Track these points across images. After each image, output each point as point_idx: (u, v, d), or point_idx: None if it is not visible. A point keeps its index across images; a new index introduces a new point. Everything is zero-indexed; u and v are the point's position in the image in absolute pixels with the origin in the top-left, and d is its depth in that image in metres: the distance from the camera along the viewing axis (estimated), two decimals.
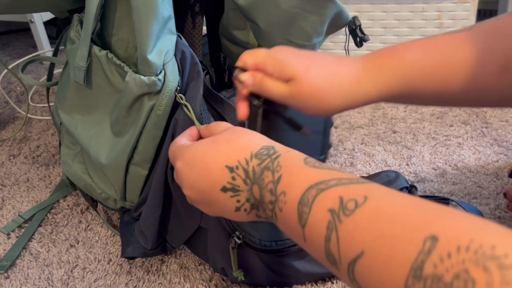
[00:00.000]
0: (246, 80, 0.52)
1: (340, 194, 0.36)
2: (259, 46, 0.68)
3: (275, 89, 0.51)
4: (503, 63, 0.46)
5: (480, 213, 0.66)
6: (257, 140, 0.46)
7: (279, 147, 0.45)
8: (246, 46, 0.70)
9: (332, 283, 0.64)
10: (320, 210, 0.36)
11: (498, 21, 0.48)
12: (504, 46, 0.47)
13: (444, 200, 0.62)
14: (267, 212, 0.43)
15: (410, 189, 0.61)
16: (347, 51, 0.75)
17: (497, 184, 0.80)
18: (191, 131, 0.53)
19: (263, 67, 0.52)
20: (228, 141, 0.46)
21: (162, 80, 0.57)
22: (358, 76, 0.51)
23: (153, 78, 0.56)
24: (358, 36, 0.68)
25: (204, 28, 0.83)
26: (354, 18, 0.69)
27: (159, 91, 0.57)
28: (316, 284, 0.64)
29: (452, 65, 0.49)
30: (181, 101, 0.57)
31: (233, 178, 0.44)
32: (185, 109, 0.57)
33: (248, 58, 0.53)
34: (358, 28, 0.69)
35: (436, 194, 0.78)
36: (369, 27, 1.05)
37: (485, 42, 0.48)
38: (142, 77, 0.56)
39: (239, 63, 0.54)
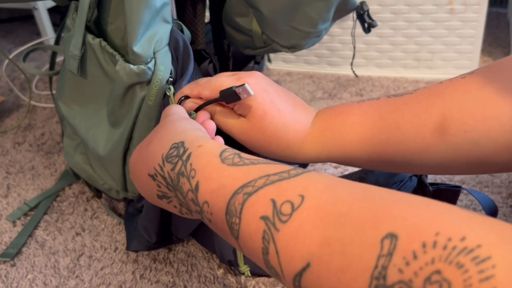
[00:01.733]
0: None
1: (272, 196, 0.31)
2: (263, 34, 0.66)
3: (231, 124, 0.51)
4: (440, 123, 0.44)
5: (492, 202, 0.64)
6: (169, 136, 0.41)
7: (189, 140, 0.39)
8: (249, 34, 0.68)
9: None
10: (252, 220, 0.31)
11: (439, 85, 0.46)
12: (440, 107, 0.44)
13: (456, 188, 0.61)
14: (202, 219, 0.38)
15: (420, 176, 0.60)
16: (353, 38, 0.74)
17: (509, 173, 0.78)
18: None
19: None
20: (148, 144, 0.43)
21: (152, 69, 0.55)
22: (303, 137, 0.51)
23: (143, 67, 0.54)
24: (366, 22, 0.67)
25: (208, 15, 0.82)
26: (362, 3, 0.67)
27: (150, 81, 0.56)
28: None
29: (387, 128, 0.47)
30: (168, 92, 0.55)
31: (158, 186, 0.41)
32: (170, 100, 0.55)
33: (204, 89, 0.51)
34: (366, 13, 0.67)
35: (447, 183, 0.76)
36: (378, 13, 1.03)
37: (422, 104, 0.46)
38: (132, 66, 0.54)
39: (193, 95, 0.53)
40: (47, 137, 0.94)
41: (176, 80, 0.57)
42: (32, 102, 1.05)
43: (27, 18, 1.55)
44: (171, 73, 0.56)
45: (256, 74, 0.50)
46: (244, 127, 0.50)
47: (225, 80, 0.50)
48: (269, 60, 1.15)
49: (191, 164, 0.37)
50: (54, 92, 0.82)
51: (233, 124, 0.51)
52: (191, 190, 0.36)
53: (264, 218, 0.30)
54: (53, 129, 0.96)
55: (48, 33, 1.30)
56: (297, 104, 0.53)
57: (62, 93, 0.68)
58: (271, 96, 0.50)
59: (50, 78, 0.80)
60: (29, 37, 1.41)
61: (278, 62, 1.17)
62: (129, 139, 0.59)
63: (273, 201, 0.30)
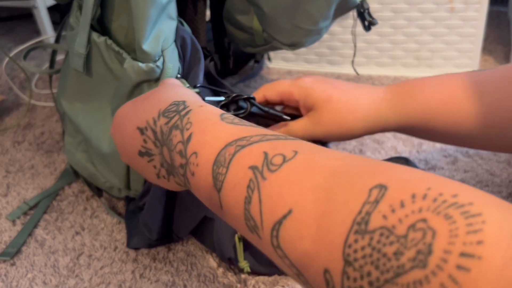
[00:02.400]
0: None
1: (265, 149, 0.30)
2: (264, 31, 0.66)
3: (298, 127, 0.54)
4: None
5: None
6: (170, 95, 0.41)
7: (192, 101, 0.39)
8: (250, 31, 0.68)
9: None
10: (240, 169, 0.30)
11: None
12: None
13: None
14: (180, 178, 0.37)
15: None
16: (353, 36, 0.74)
17: (509, 172, 0.78)
18: None
19: (290, 95, 0.55)
20: (144, 99, 0.43)
21: (161, 67, 0.55)
22: (378, 102, 0.53)
23: (151, 65, 0.54)
24: (367, 20, 0.67)
25: (208, 13, 0.82)
26: (363, 1, 0.67)
27: (158, 79, 0.56)
28: None
29: (469, 99, 0.48)
30: None
31: (145, 141, 0.40)
32: None
33: (268, 90, 0.56)
34: (367, 11, 0.67)
35: None
36: (378, 12, 1.03)
37: (504, 80, 0.47)
38: (140, 64, 0.55)
39: (258, 97, 0.57)
40: (46, 136, 0.94)
41: (184, 77, 0.57)
42: (32, 101, 1.04)
43: (26, 16, 1.55)
44: (178, 71, 0.56)
45: (313, 75, 0.56)
46: (313, 122, 0.53)
47: (285, 82, 0.56)
48: (269, 59, 1.15)
49: (188, 118, 0.36)
50: (54, 90, 0.81)
51: (298, 127, 0.54)
52: (182, 141, 0.35)
53: (253, 167, 0.29)
54: (52, 128, 0.96)
55: (48, 32, 1.30)
56: (360, 84, 0.55)
57: (64, 91, 0.68)
58: (329, 82, 0.53)
59: (50, 77, 0.80)
60: (29, 36, 1.40)
61: (278, 61, 1.17)
62: None
63: (265, 153, 0.30)
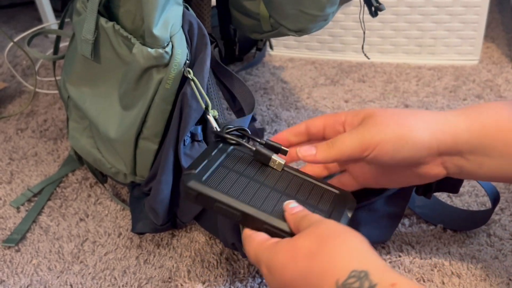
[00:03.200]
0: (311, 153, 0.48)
1: None
2: (270, 17, 0.66)
3: (347, 140, 0.46)
4: None
5: (494, 188, 0.65)
6: (344, 260, 0.36)
7: (375, 272, 0.34)
8: (256, 17, 0.68)
9: None
10: None
11: None
12: None
13: None
14: None
15: None
16: (361, 22, 0.73)
17: None
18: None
19: (335, 116, 0.50)
20: (308, 257, 0.38)
21: (170, 53, 0.55)
22: (443, 112, 0.47)
23: (160, 50, 0.55)
24: (373, 6, 0.66)
25: None
26: None
27: (167, 64, 0.56)
28: None
29: None
30: (189, 76, 0.56)
31: None
32: (192, 84, 0.56)
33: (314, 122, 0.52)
34: None
35: None
36: None
37: None
38: (149, 49, 0.55)
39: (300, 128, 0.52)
40: (49, 123, 0.94)
41: (191, 62, 0.57)
42: (34, 89, 1.04)
43: (28, 4, 1.54)
44: (187, 57, 0.56)
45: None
46: (364, 127, 0.46)
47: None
48: (271, 47, 1.15)
49: None
50: (58, 78, 0.81)
51: (344, 137, 0.47)
52: None
53: None
54: (55, 116, 0.96)
55: (49, 19, 1.29)
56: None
57: (70, 76, 0.68)
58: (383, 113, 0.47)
59: (54, 63, 0.80)
60: (30, 23, 1.40)
61: (280, 48, 1.16)
62: (143, 122, 0.59)
63: None
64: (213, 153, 0.51)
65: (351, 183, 0.52)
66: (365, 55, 0.80)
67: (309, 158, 0.48)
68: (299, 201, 0.47)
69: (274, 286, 0.41)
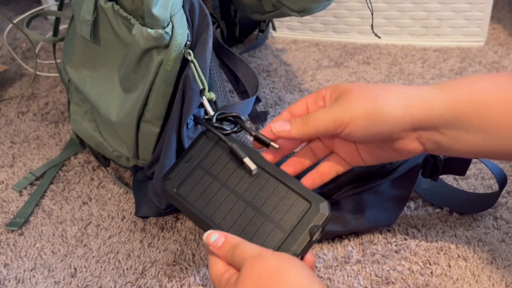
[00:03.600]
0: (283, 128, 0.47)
1: None
2: None
3: (321, 116, 0.46)
4: None
5: (502, 171, 0.64)
6: None
7: None
8: None
9: (349, 240, 0.63)
10: None
11: None
12: None
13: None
14: None
15: None
16: (368, 2, 0.72)
17: None
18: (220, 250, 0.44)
19: (318, 92, 0.49)
20: None
21: (170, 34, 0.54)
22: (419, 87, 0.46)
23: (160, 31, 0.53)
24: None
25: None
26: None
27: (168, 45, 0.55)
28: (333, 241, 0.63)
29: None
30: (189, 57, 0.55)
31: None
32: (192, 66, 0.54)
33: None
34: None
35: None
36: None
37: None
38: (149, 29, 0.53)
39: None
40: (51, 106, 0.93)
41: (193, 43, 0.56)
42: (34, 72, 1.03)
43: None
44: (187, 38, 0.55)
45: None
46: (339, 102, 0.46)
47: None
48: (274, 28, 1.13)
49: None
50: (58, 61, 0.80)
51: (319, 112, 0.47)
52: None
53: None
54: (57, 99, 0.95)
55: (49, 0, 1.27)
56: None
57: (70, 58, 0.67)
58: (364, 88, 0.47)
59: (54, 45, 0.79)
60: (28, 6, 1.38)
61: (283, 29, 1.15)
62: (144, 105, 0.58)
63: None
64: (196, 149, 0.51)
65: (341, 164, 0.51)
66: (375, 34, 0.78)
67: (284, 134, 0.47)
68: (262, 215, 0.46)
69: None
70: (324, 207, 0.45)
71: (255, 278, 0.39)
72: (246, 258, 0.41)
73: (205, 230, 0.46)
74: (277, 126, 0.48)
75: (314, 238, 0.44)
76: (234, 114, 0.52)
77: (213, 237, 0.44)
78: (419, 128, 0.45)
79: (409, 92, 0.46)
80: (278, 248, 0.44)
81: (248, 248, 0.42)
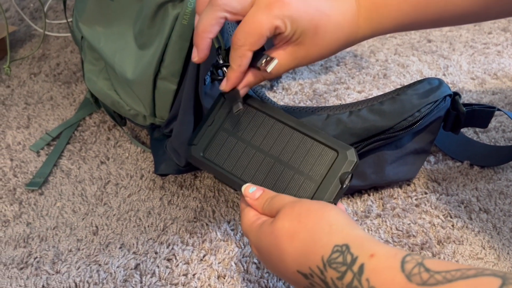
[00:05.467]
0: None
1: None
2: None
3: (286, 64, 0.47)
4: None
5: None
6: (323, 235, 0.37)
7: (355, 244, 0.36)
8: None
9: (369, 195, 0.63)
10: None
11: None
12: None
13: (490, 109, 0.59)
14: None
15: (454, 96, 0.58)
16: None
17: None
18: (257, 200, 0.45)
19: (277, 29, 0.45)
20: (290, 238, 0.39)
21: None
22: (357, 22, 0.47)
23: None
24: None
25: None
26: None
27: None
28: (352, 197, 0.63)
29: None
30: None
31: (311, 284, 0.38)
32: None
33: (252, 43, 0.45)
34: None
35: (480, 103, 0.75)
36: None
37: None
38: None
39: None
40: (62, 67, 0.92)
41: None
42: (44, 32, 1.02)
43: None
44: None
45: None
46: (296, 51, 0.46)
47: (259, 18, 0.44)
48: None
49: (368, 280, 0.33)
50: (69, 20, 0.79)
51: (287, 63, 0.47)
52: None
53: None
54: (68, 59, 0.94)
55: None
56: None
57: (84, 15, 0.65)
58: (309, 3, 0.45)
59: (64, 3, 0.77)
60: None
61: None
62: (160, 61, 0.57)
63: None
64: (217, 111, 0.51)
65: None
66: None
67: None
68: (291, 169, 0.47)
69: (265, 264, 0.43)
70: (351, 154, 0.45)
71: (295, 215, 0.40)
72: (285, 203, 0.41)
73: (237, 190, 0.47)
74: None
75: (344, 185, 0.45)
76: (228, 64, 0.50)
77: (251, 189, 0.45)
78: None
79: (354, 34, 0.48)
80: (312, 198, 0.45)
81: (286, 197, 0.43)
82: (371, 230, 0.59)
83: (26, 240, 0.61)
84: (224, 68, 0.54)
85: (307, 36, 0.45)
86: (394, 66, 0.85)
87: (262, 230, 0.41)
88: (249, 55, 0.45)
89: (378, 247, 0.35)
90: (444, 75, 0.82)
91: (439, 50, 0.88)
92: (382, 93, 0.66)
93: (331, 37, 0.46)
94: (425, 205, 0.61)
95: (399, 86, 0.78)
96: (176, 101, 0.61)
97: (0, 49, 0.96)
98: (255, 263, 0.56)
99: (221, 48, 0.54)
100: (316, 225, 0.38)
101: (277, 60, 0.46)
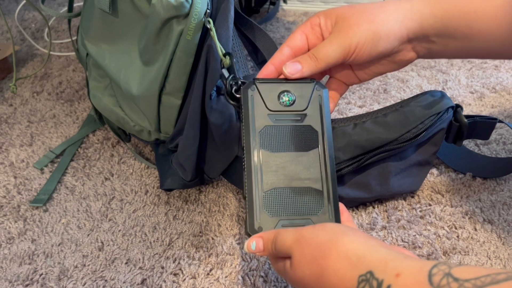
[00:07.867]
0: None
1: None
2: None
3: (329, 50, 0.48)
4: None
5: None
6: (347, 271, 0.37)
7: (378, 268, 0.35)
8: None
9: (373, 207, 0.63)
10: None
11: None
12: None
13: (491, 120, 0.60)
14: None
15: (456, 108, 0.59)
16: None
17: None
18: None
19: (314, 20, 0.51)
20: (316, 283, 0.38)
21: (190, 2, 0.54)
22: (409, 0, 0.49)
23: None
24: None
25: None
26: None
27: (187, 14, 0.54)
28: (357, 209, 0.64)
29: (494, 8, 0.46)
30: (208, 26, 0.54)
31: None
32: (212, 34, 0.54)
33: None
34: None
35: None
36: None
37: None
38: None
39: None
40: (65, 85, 0.93)
41: (213, 12, 0.55)
42: (47, 51, 1.03)
43: None
44: (207, 6, 0.54)
45: None
46: (340, 30, 0.49)
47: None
48: (284, 1, 1.12)
49: None
50: (73, 38, 0.80)
51: (324, 44, 0.49)
52: None
53: None
54: (70, 77, 0.95)
55: None
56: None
57: (89, 32, 0.66)
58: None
59: (69, 21, 0.78)
60: None
61: (294, 2, 1.13)
62: (165, 76, 0.58)
63: None
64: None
65: (341, 86, 0.55)
66: None
67: (297, 75, 0.50)
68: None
69: None
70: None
71: (308, 257, 0.39)
72: (289, 246, 0.41)
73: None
74: (290, 69, 0.50)
75: None
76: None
77: (252, 245, 0.44)
78: (414, 39, 0.49)
79: (402, 6, 0.49)
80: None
81: (287, 237, 0.42)
82: None
83: (31, 257, 0.61)
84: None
85: (343, 13, 0.50)
86: (394, 81, 0.86)
87: (289, 276, 0.41)
88: None
89: (403, 264, 0.34)
90: (443, 89, 0.83)
91: (437, 65, 0.90)
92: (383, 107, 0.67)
93: (370, 5, 0.50)
94: (430, 216, 0.61)
95: (399, 101, 0.79)
96: (181, 116, 0.62)
97: (3, 69, 0.96)
98: (262, 277, 0.56)
99: (223, 61, 0.54)
100: (337, 264, 0.37)
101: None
